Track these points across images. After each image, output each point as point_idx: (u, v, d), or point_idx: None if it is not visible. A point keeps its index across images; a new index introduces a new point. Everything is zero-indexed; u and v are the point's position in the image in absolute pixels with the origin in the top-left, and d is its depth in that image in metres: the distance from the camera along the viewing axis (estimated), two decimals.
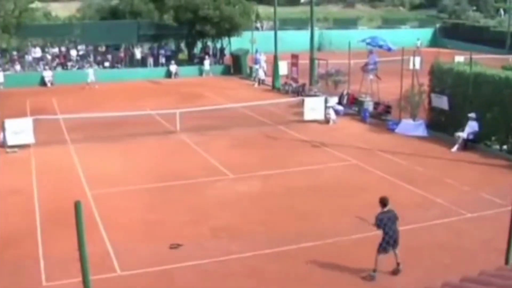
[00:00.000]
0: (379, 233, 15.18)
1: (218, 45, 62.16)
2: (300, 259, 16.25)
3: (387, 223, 14.99)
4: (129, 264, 16.01)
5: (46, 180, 23.71)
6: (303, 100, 36.07)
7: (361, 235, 17.37)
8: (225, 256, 16.43)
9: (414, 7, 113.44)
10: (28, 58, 54.56)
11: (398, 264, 15.38)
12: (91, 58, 56.65)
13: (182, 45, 63.95)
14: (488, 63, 35.69)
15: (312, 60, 42.94)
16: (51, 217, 19.21)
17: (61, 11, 77.43)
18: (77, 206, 7.20)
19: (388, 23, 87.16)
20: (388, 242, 15.04)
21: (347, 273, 15.50)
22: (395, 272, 15.36)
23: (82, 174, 24.58)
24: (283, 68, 48.87)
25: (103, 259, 16.01)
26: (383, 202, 15.25)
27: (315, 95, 37.62)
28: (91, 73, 49.32)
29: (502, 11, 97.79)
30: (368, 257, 15.65)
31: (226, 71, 58.71)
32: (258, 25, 76.63)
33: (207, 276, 15.44)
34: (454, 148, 27.89)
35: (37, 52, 55.49)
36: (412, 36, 72.40)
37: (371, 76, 37.08)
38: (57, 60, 55.62)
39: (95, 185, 22.92)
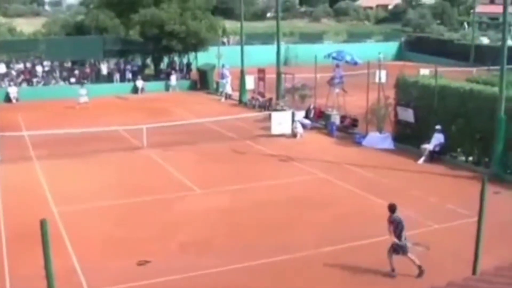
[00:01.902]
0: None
1: (185, 60, 62.03)
2: (268, 273, 16.22)
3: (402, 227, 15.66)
4: (96, 281, 15.86)
5: (11, 197, 23.38)
6: (270, 115, 36.12)
7: (331, 248, 17.42)
8: (193, 271, 16.32)
9: (379, 21, 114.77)
10: None
11: (419, 266, 15.77)
12: (57, 74, 56.22)
13: (149, 60, 63.71)
14: (452, 75, 36.08)
15: (278, 75, 43.03)
16: (16, 235, 18.95)
17: (26, 27, 76.86)
18: (42, 224, 7.13)
19: (353, 37, 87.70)
20: (402, 247, 15.65)
21: (318, 287, 15.50)
22: (420, 274, 15.71)
23: (48, 191, 24.30)
24: (250, 82, 48.88)
25: (70, 276, 15.83)
26: (392, 209, 15.92)
27: (282, 110, 37.69)
28: (83, 92, 47.18)
29: (466, 25, 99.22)
30: (338, 269, 15.70)
31: (193, 86, 58.56)
32: (225, 40, 76.72)
33: None
34: (421, 160, 28.10)
35: (1, 68, 54.87)
36: (378, 50, 72.92)
37: (337, 90, 37.25)
38: (22, 76, 55.04)
39: (61, 202, 22.67)
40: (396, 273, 15.76)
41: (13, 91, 51.16)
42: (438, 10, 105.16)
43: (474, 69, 58.36)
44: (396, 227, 15.60)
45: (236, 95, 49.67)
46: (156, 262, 16.99)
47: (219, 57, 57.21)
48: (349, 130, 35.09)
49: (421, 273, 15.64)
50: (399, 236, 15.58)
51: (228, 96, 50.94)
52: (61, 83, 55.23)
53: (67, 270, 15.97)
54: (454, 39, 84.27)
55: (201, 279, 15.96)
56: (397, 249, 15.67)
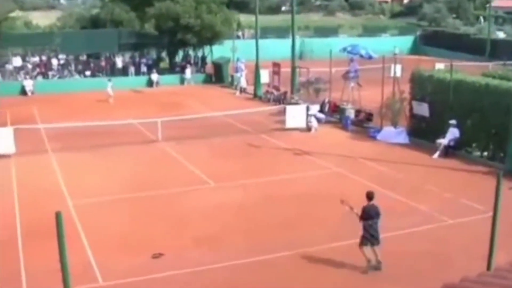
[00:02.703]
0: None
1: (200, 54, 62.04)
2: (281, 268, 16.24)
3: (372, 216, 15.54)
4: (111, 274, 15.93)
5: (27, 190, 23.53)
6: (284, 108, 36.11)
7: (344, 243, 17.42)
8: (207, 265, 16.38)
9: (394, 15, 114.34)
10: (9, 67, 54.20)
11: (379, 262, 15.58)
12: (72, 67, 56.44)
13: (164, 54, 63.77)
14: (468, 70, 35.92)
15: (293, 68, 42.98)
16: (32, 228, 19.06)
17: (42, 20, 77.19)
18: (58, 216, 7.16)
19: (368, 31, 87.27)
20: (373, 236, 15.46)
21: (328, 281, 15.50)
22: (377, 268, 15.67)
23: (63, 184, 24.43)
24: (265, 76, 48.86)
25: (85, 269, 15.93)
26: (370, 196, 15.81)
27: (296, 103, 37.62)
28: (110, 85, 47.28)
29: (481, 19, 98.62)
30: (347, 265, 15.70)
31: (208, 80, 58.58)
32: (240, 33, 76.65)
33: (189, 286, 15.39)
34: (435, 155, 28.01)
35: (17, 61, 55.13)
36: (393, 44, 72.48)
37: (352, 84, 37.16)
38: (37, 69, 55.29)
39: (76, 195, 22.79)
40: (371, 264, 15.76)
41: (28, 84, 51.37)
42: (453, 4, 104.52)
43: (490, 64, 57.87)
44: (361, 217, 15.63)
45: (251, 88, 49.65)
46: (169, 256, 17.05)
47: (234, 50, 57.15)
48: (363, 124, 35.01)
49: (367, 268, 15.68)
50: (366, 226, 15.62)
51: (243, 90, 50.92)
52: (76, 76, 55.43)
53: (82, 263, 16.07)
54: (470, 33, 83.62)
55: (214, 273, 16.01)
56: (362, 241, 15.65)
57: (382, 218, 15.98)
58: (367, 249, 15.63)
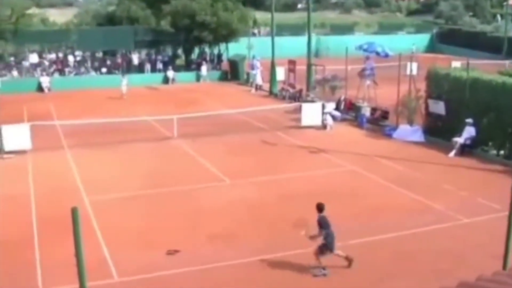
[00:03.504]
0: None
1: (216, 51, 62.17)
2: (295, 266, 16.23)
3: (329, 224, 15.57)
4: (126, 270, 16.00)
5: (43, 186, 23.69)
6: (300, 106, 36.09)
7: (359, 241, 17.40)
8: (221, 262, 16.41)
9: (410, 13, 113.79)
10: (25, 64, 54.53)
11: (350, 259, 15.83)
12: (89, 64, 56.70)
13: (179, 51, 63.87)
14: (484, 68, 35.71)
15: (309, 66, 42.93)
16: (48, 223, 19.18)
17: (58, 17, 77.55)
18: (74, 212, 7.20)
19: (384, 29, 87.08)
20: (331, 243, 15.52)
21: (343, 279, 15.49)
22: (350, 265, 15.88)
23: (79, 180, 24.54)
24: (280, 73, 48.86)
25: (100, 265, 15.99)
26: (321, 207, 15.83)
27: (312, 101, 37.60)
28: (124, 82, 47.83)
29: (498, 17, 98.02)
30: (365, 261, 15.68)
31: (224, 77, 58.69)
32: (255, 31, 76.66)
33: (204, 282, 15.42)
34: (451, 154, 27.90)
35: (34, 58, 55.45)
36: (409, 42, 72.37)
37: (368, 82, 37.08)
38: (54, 66, 55.58)
39: (92, 191, 22.89)
40: (327, 272, 15.70)
41: (45, 80, 51.66)
42: (470, 2, 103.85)
43: (506, 62, 57.61)
44: (321, 227, 15.53)
45: (266, 86, 49.66)
46: (184, 252, 17.09)
47: (249, 48, 57.21)
48: (379, 122, 34.93)
49: (350, 262, 15.82)
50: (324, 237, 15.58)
51: (258, 87, 50.95)
52: (93, 73, 55.67)
53: (97, 259, 16.12)
54: (486, 31, 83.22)
55: (229, 270, 16.04)
56: (324, 250, 15.64)
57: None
58: (326, 257, 15.64)
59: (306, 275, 15.76)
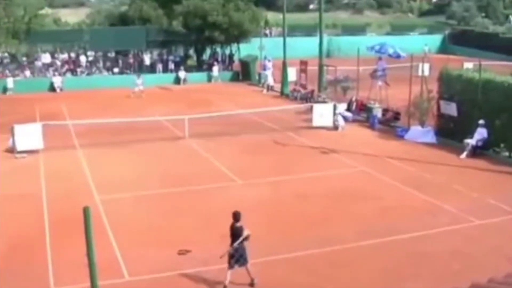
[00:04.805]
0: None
1: (227, 52, 62.26)
2: (311, 265, 16.22)
3: (240, 235, 15.01)
4: (137, 269, 16.02)
5: (55, 185, 23.77)
6: (311, 107, 36.09)
7: (370, 242, 17.38)
8: None
9: (422, 14, 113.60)
10: (38, 63, 54.81)
11: (252, 279, 15.20)
12: (101, 64, 56.89)
13: (191, 51, 64.01)
14: (497, 69, 35.57)
15: (321, 67, 42.88)
16: (60, 222, 19.24)
17: (71, 17, 77.91)
18: (85, 211, 7.21)
19: (396, 29, 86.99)
20: (242, 256, 14.94)
21: (357, 279, 15.47)
22: (252, 284, 15.22)
23: (90, 179, 24.63)
24: (292, 74, 48.88)
25: (111, 264, 16.02)
26: (237, 217, 15.20)
27: (323, 102, 37.57)
28: (140, 82, 48.36)
29: (511, 18, 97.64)
30: (376, 262, 15.65)
31: (235, 78, 58.81)
32: (267, 31, 76.70)
33: (216, 283, 15.41)
34: (463, 155, 27.81)
35: (46, 58, 55.72)
36: (421, 43, 72.24)
37: (379, 83, 37.04)
38: (66, 66, 55.83)
39: (104, 190, 22.96)
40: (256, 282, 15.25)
41: (57, 80, 51.94)
42: (483, 3, 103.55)
43: None
44: (234, 236, 15.04)
45: (278, 86, 49.69)
46: (196, 252, 17.08)
47: (261, 48, 57.24)
48: (391, 123, 34.86)
49: (252, 284, 15.20)
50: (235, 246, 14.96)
51: (270, 88, 51.00)
52: (105, 73, 55.88)
53: (108, 258, 16.15)
54: (499, 32, 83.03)
55: (242, 270, 16.01)
56: (234, 261, 14.99)
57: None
58: (232, 271, 15.05)
59: (322, 274, 15.72)
